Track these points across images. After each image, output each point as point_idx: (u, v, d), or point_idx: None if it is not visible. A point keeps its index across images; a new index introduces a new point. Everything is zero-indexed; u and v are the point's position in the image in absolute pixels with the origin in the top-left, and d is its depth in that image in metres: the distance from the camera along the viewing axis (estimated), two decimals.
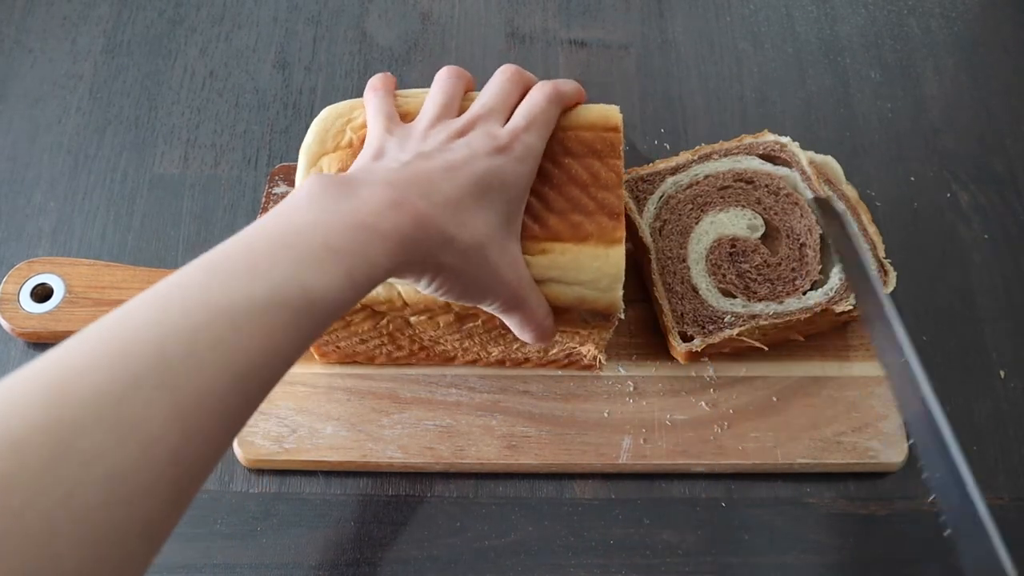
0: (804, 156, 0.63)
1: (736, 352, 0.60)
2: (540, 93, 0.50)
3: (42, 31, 0.76)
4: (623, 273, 0.50)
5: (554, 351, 0.58)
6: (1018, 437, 0.61)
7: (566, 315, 0.52)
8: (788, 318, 0.58)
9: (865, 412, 0.60)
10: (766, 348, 0.59)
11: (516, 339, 0.56)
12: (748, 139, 0.64)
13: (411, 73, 0.75)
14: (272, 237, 0.38)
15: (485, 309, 0.49)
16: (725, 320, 0.58)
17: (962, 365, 0.63)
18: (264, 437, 0.58)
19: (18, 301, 0.61)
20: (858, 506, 0.59)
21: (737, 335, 0.58)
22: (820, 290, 0.59)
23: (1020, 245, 0.68)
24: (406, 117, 0.51)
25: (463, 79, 0.52)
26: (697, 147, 0.65)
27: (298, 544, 0.57)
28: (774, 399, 0.60)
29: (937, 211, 0.70)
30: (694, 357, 0.59)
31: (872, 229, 0.62)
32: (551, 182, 0.50)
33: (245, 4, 0.78)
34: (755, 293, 0.60)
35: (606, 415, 0.59)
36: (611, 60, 0.77)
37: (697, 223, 0.62)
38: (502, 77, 0.51)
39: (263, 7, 0.78)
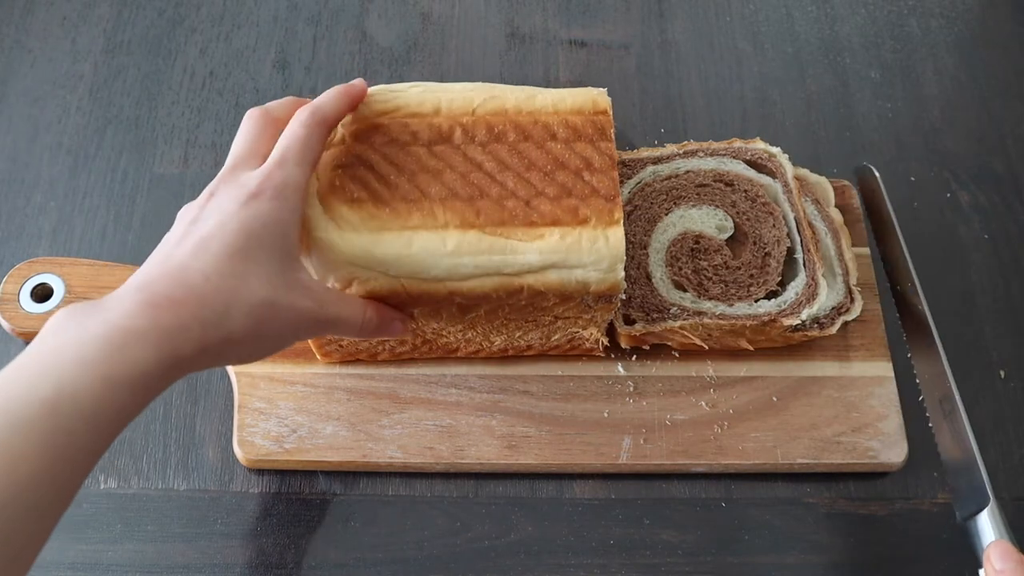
0: (791, 170, 0.63)
1: (720, 352, 0.61)
2: (295, 121, 0.48)
3: (42, 31, 0.76)
4: (624, 253, 0.50)
5: (556, 337, 0.58)
6: (1018, 437, 0.61)
7: (569, 302, 0.53)
8: (734, 322, 0.58)
9: (865, 412, 0.60)
10: (706, 347, 0.59)
11: (519, 328, 0.56)
12: (738, 143, 0.64)
13: (411, 73, 0.75)
14: (22, 367, 0.38)
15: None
16: (671, 311, 0.59)
17: (962, 365, 0.63)
18: (264, 437, 0.58)
19: (18, 301, 0.61)
20: (858, 506, 0.59)
21: (679, 327, 0.58)
22: (773, 301, 0.59)
23: (1020, 245, 0.68)
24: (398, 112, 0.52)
25: None
26: (684, 142, 0.65)
27: (298, 544, 0.57)
28: (774, 399, 0.60)
29: (937, 211, 0.70)
30: (636, 341, 0.60)
31: (849, 255, 0.62)
32: (542, 169, 0.51)
33: (245, 4, 0.78)
34: (707, 291, 0.60)
35: (606, 415, 0.59)
36: (611, 60, 0.77)
37: (667, 214, 0.62)
38: (244, 124, 0.49)
39: (263, 7, 0.78)
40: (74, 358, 0.38)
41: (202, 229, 0.44)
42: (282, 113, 0.50)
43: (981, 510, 0.49)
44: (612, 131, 0.53)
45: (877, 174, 0.65)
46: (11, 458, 0.35)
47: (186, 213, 0.46)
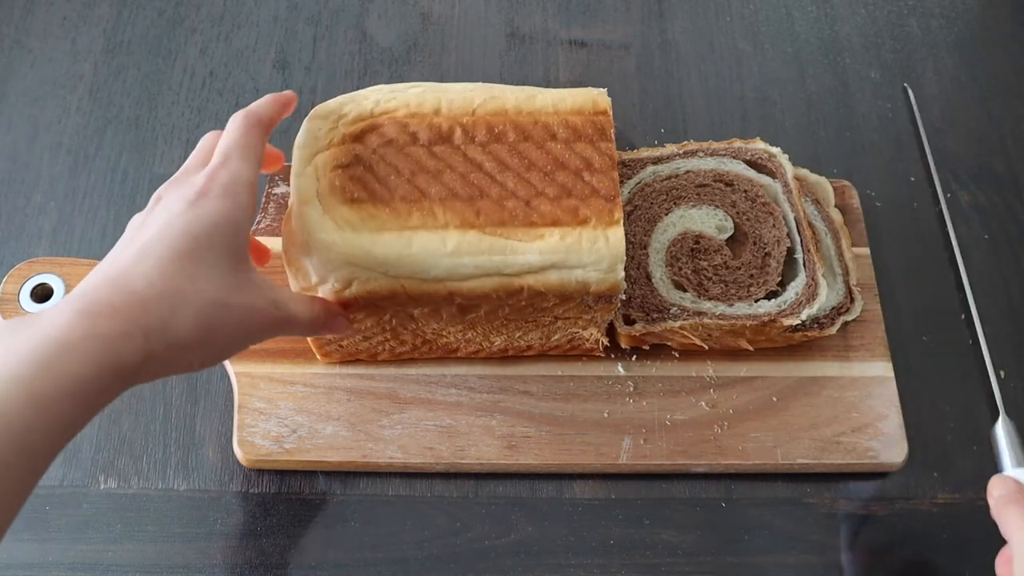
0: (791, 170, 0.63)
1: (720, 352, 0.61)
2: (229, 124, 0.48)
3: (42, 31, 0.76)
4: (624, 253, 0.50)
5: (556, 337, 0.58)
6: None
7: (569, 302, 0.53)
8: (734, 322, 0.58)
9: (865, 412, 0.60)
10: (706, 347, 0.59)
11: (519, 328, 0.56)
12: (738, 143, 0.64)
13: (411, 73, 0.75)
14: None
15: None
16: (671, 311, 0.59)
17: (962, 365, 0.63)
18: (264, 437, 0.58)
19: (18, 301, 0.61)
20: (858, 506, 0.59)
21: (679, 328, 0.58)
22: (773, 301, 0.59)
23: (1020, 245, 0.68)
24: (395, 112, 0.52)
25: None
26: (684, 142, 0.65)
27: (298, 544, 0.57)
28: (774, 399, 0.60)
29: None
30: (636, 341, 0.60)
31: (849, 255, 0.62)
32: (542, 169, 0.51)
33: (245, 4, 0.78)
34: (707, 291, 0.60)
35: (606, 415, 0.59)
36: (611, 60, 0.77)
37: (667, 214, 0.62)
38: (200, 142, 0.49)
39: (263, 7, 0.78)
40: (2, 375, 0.36)
41: (146, 234, 0.43)
42: None
43: (995, 421, 0.55)
44: (612, 131, 0.53)
45: (911, 93, 0.65)
46: None
47: (135, 220, 0.45)
